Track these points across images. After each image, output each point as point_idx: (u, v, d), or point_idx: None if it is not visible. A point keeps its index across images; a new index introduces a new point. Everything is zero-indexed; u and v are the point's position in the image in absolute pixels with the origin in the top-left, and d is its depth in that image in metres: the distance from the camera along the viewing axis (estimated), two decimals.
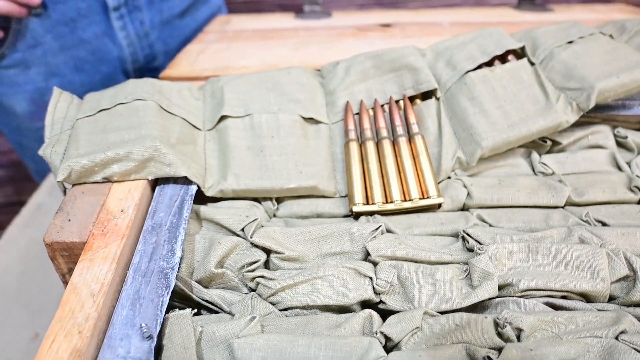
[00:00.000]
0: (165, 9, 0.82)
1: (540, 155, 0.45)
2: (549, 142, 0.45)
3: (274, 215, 0.41)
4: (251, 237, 0.36)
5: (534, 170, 0.43)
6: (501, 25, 0.51)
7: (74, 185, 0.38)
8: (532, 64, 0.46)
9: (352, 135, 0.43)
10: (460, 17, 0.72)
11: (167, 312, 0.31)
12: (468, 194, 0.41)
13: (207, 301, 0.34)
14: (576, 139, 0.45)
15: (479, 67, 0.45)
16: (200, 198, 0.40)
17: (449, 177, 0.43)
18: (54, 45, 0.76)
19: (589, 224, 0.39)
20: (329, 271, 0.34)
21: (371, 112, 0.45)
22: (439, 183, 0.42)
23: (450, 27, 0.66)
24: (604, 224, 0.39)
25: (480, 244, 0.36)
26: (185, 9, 0.85)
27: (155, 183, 0.39)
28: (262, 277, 0.34)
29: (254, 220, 0.37)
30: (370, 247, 0.36)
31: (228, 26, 0.72)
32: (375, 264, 0.36)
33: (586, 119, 0.47)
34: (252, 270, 0.35)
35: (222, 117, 0.43)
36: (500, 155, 0.44)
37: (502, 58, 0.47)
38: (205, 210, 0.38)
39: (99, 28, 0.78)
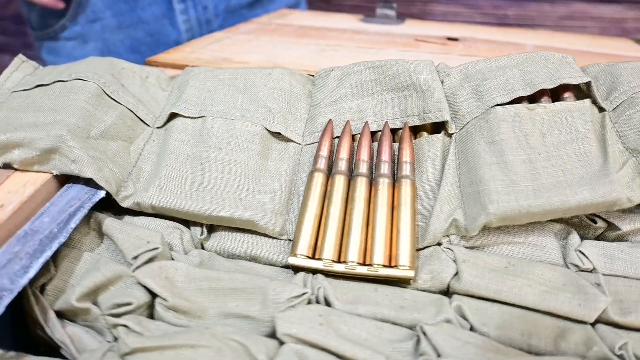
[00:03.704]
0: None
1: (582, 239, 0.31)
2: (600, 224, 0.31)
3: (202, 247, 0.33)
4: (134, 271, 0.28)
5: (565, 260, 0.30)
6: (603, 59, 0.38)
7: None
8: (601, 109, 0.33)
9: (322, 163, 0.33)
10: (553, 41, 0.58)
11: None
12: (456, 273, 0.29)
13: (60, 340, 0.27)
14: None
15: (516, 101, 0.32)
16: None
17: (439, 244, 0.31)
18: (112, 22, 0.74)
19: None
20: (208, 341, 0.25)
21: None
22: (420, 249, 0.31)
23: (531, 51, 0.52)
24: None
25: (438, 354, 0.25)
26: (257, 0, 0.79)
27: (68, 181, 0.33)
28: (126, 326, 0.26)
29: (153, 249, 0.29)
30: (280, 320, 0.26)
31: (280, 20, 0.64)
32: (281, 343, 0.26)
33: None
34: (119, 315, 0.27)
35: (173, 115, 0.35)
36: (521, 228, 0.31)
37: (556, 95, 0.34)
38: (109, 223, 0.31)
39: (159, 9, 0.75)
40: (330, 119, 0.35)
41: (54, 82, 0.35)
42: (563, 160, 0.30)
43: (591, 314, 0.27)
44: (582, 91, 0.34)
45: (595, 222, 0.31)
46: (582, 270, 0.29)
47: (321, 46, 0.50)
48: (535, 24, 1.33)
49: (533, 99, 0.33)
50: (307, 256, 0.30)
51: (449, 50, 0.50)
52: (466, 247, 0.31)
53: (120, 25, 0.75)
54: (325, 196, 0.32)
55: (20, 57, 0.39)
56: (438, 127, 0.35)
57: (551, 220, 0.31)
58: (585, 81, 0.33)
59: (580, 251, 0.30)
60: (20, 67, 0.39)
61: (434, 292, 0.30)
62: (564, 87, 0.33)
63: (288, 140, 0.35)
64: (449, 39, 0.56)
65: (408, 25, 0.66)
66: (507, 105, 0.32)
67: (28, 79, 0.38)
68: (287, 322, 0.26)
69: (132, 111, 0.35)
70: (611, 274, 0.29)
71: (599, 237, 0.32)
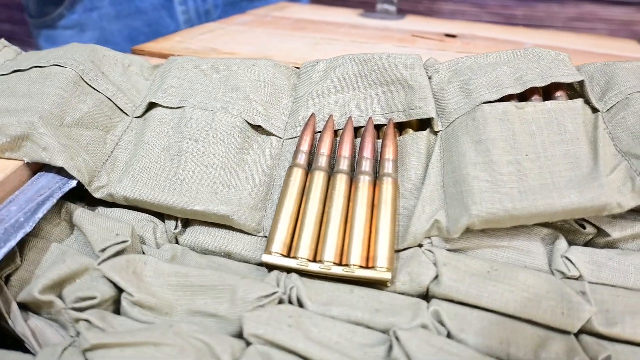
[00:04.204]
0: None
1: (570, 244, 0.30)
2: (589, 229, 0.30)
3: (176, 241, 0.32)
4: (99, 264, 0.27)
5: (550, 266, 0.29)
6: (606, 59, 0.37)
7: None
8: (594, 110, 0.32)
9: (302, 158, 0.32)
10: (556, 41, 0.56)
11: None
12: (436, 276, 0.28)
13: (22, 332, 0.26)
14: (637, 234, 0.30)
15: (505, 99, 0.31)
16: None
17: (420, 245, 0.30)
18: (110, 11, 0.74)
19: None
20: (172, 339, 0.24)
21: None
22: (400, 250, 0.30)
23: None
24: None
25: None
26: None
27: (41, 169, 0.32)
28: (88, 321, 0.25)
29: (121, 242, 0.28)
30: (247, 319, 0.25)
31: (277, 12, 0.63)
32: (248, 343, 0.25)
33: None
34: (83, 309, 0.26)
35: (152, 105, 0.34)
36: (506, 231, 0.30)
37: (548, 94, 0.32)
38: (79, 214, 0.30)
39: None
40: (312, 113, 0.34)
41: (31, 68, 0.34)
42: (551, 162, 0.29)
43: (574, 323, 0.26)
44: (575, 90, 0.33)
45: (584, 228, 0.30)
46: (567, 278, 0.28)
47: (315, 39, 0.49)
48: (543, 24, 1.30)
49: (523, 97, 0.32)
50: (282, 254, 0.29)
51: (445, 47, 0.49)
52: (448, 250, 0.30)
53: (118, 15, 0.74)
54: (304, 193, 0.31)
55: (2, 41, 0.39)
56: (424, 124, 0.33)
57: (538, 225, 0.30)
58: (578, 80, 0.31)
59: (566, 257, 0.28)
60: (2, 52, 0.38)
61: (413, 296, 0.29)
62: (557, 86, 0.32)
63: (269, 133, 0.34)
64: (447, 35, 0.55)
65: (407, 21, 0.64)
66: (495, 103, 0.30)
67: (8, 64, 0.37)
68: (254, 322, 0.25)
69: (110, 99, 0.34)
70: (598, 282, 0.28)
71: (588, 243, 0.31)
